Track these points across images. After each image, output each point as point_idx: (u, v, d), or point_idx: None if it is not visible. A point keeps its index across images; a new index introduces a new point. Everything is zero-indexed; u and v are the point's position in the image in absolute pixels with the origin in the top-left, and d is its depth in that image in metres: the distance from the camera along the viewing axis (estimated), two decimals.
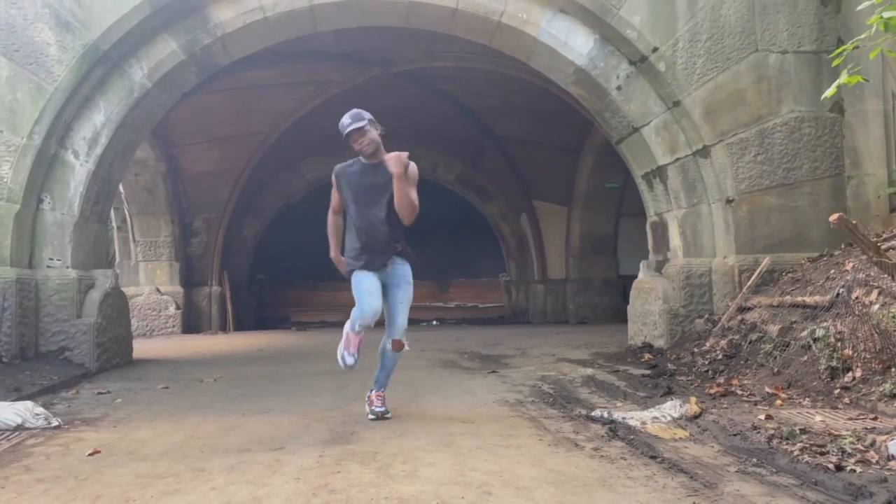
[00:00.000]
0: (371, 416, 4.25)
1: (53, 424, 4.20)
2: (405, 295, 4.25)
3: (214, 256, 13.39)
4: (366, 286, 4.13)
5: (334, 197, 4.35)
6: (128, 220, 12.65)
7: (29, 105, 6.47)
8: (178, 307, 12.52)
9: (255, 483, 2.93)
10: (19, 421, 4.13)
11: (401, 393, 5.11)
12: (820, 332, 4.68)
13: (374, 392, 4.35)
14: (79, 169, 6.80)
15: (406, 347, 4.33)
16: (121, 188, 11.56)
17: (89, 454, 3.51)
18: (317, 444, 3.64)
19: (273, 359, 8.13)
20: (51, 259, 6.69)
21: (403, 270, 4.26)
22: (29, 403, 4.43)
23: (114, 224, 12.60)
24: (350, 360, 4.13)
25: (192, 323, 12.84)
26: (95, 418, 4.52)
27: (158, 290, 12.54)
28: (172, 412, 4.70)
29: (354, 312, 4.13)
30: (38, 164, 6.53)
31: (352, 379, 6.14)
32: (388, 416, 4.26)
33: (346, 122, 4.19)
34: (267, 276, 15.99)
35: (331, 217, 4.41)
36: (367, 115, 4.21)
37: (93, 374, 6.50)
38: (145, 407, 4.92)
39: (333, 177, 4.31)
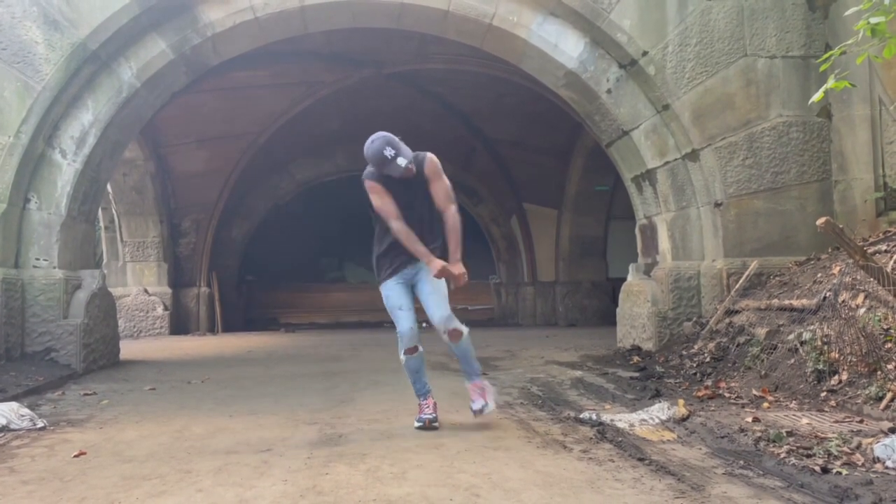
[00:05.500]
0: (478, 410, 4.04)
1: (39, 426, 4.17)
2: (432, 285, 3.96)
3: (203, 257, 13.32)
4: (394, 301, 3.98)
5: (386, 201, 3.93)
6: (116, 220, 12.56)
7: (16, 104, 6.42)
8: (165, 308, 12.44)
9: (243, 485, 2.92)
10: (4, 422, 4.09)
11: (388, 395, 5.10)
12: (807, 336, 4.71)
13: (469, 384, 4.14)
14: (66, 168, 6.75)
15: (465, 332, 3.99)
16: (109, 188, 11.48)
17: (75, 455, 3.48)
18: (305, 445, 3.62)
19: (261, 360, 8.10)
20: (37, 259, 6.63)
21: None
22: (14, 404, 4.39)
23: (101, 224, 12.51)
24: (429, 415, 3.99)
25: (180, 324, 12.77)
26: (81, 420, 4.49)
27: (146, 290, 12.46)
28: (159, 414, 4.67)
29: (399, 333, 4.00)
30: (25, 164, 6.48)
31: (340, 380, 6.13)
32: (488, 410, 4.05)
33: (388, 155, 3.79)
34: (256, 277, 15.94)
35: (397, 224, 3.91)
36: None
37: (79, 375, 6.45)
38: (132, 408, 4.89)
39: (372, 182, 3.92)
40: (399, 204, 3.92)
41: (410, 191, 3.94)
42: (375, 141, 3.85)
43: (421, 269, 3.99)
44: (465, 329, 4.01)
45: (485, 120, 13.30)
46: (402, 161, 3.80)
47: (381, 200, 3.93)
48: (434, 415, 4.00)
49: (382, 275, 4.05)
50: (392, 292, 4.00)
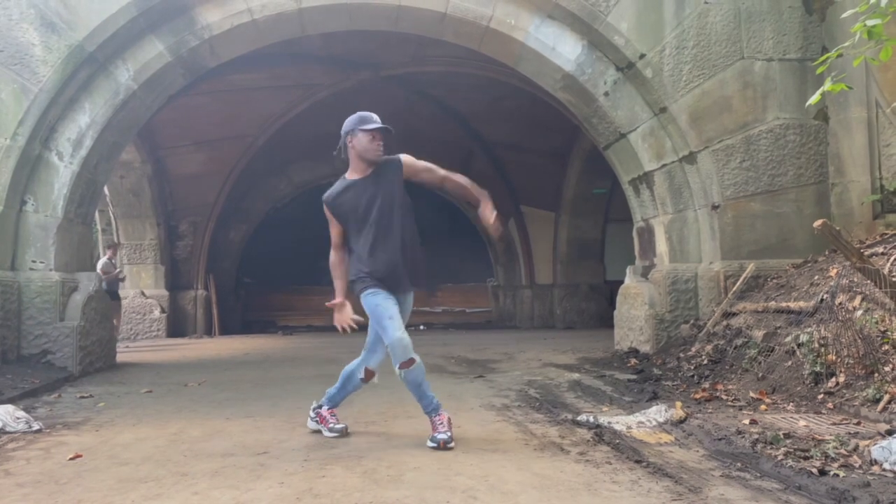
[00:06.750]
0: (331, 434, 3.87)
1: (34, 428, 4.15)
2: (405, 310, 3.79)
3: (200, 260, 13.32)
4: (386, 311, 3.60)
5: (333, 231, 3.78)
6: (113, 222, 12.57)
7: (13, 106, 6.41)
8: (162, 311, 12.43)
9: (239, 488, 2.91)
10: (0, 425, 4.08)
11: (387, 398, 5.09)
12: (804, 338, 4.71)
13: (322, 409, 3.98)
14: (63, 171, 6.73)
15: (375, 381, 3.88)
16: (106, 190, 11.48)
17: (70, 458, 3.47)
18: (301, 448, 3.61)
19: (258, 363, 8.08)
20: (34, 261, 6.61)
21: (411, 298, 3.83)
22: (10, 407, 4.38)
23: (98, 227, 12.51)
24: (443, 435, 3.57)
25: (177, 327, 12.75)
26: (77, 422, 4.47)
27: (143, 293, 12.45)
28: (156, 416, 4.65)
29: (389, 345, 3.59)
30: (22, 166, 6.47)
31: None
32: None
33: (373, 117, 3.76)
34: (253, 279, 15.93)
35: (333, 255, 3.80)
36: None
37: (75, 377, 6.43)
38: (128, 411, 4.87)
39: (325, 207, 3.76)
40: (357, 216, 3.69)
41: (373, 203, 3.67)
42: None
43: (406, 296, 3.79)
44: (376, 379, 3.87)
45: (482, 122, 13.32)
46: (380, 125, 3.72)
47: (331, 227, 3.78)
48: (449, 434, 3.57)
49: (371, 283, 3.67)
50: (382, 300, 3.63)
